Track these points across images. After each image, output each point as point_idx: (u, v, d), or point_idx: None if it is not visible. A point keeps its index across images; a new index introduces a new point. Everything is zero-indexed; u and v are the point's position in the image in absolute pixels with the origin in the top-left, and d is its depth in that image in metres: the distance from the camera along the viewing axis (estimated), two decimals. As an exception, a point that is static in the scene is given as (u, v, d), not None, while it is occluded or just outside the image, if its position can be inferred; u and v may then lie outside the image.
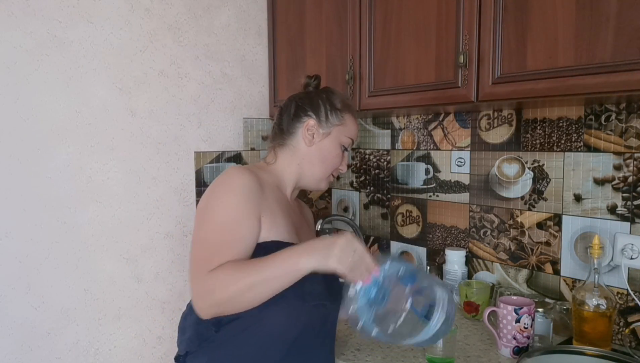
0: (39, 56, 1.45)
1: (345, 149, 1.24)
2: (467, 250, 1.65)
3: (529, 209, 1.49)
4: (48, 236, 1.49)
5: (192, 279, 1.00)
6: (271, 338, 1.02)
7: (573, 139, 1.39)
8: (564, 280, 1.42)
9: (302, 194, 2.11)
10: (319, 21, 1.71)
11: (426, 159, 1.78)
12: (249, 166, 1.20)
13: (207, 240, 1.00)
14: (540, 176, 1.46)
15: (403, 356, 1.24)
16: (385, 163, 1.93)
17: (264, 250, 1.01)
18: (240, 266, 0.95)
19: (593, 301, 1.19)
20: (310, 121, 1.19)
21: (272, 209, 1.07)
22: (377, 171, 1.97)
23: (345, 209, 2.13)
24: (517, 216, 1.52)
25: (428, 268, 1.73)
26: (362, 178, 2.04)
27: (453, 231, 1.71)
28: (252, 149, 1.95)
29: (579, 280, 1.39)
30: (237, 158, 1.91)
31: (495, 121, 1.56)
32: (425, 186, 1.79)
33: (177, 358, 1.11)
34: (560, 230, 1.43)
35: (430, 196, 1.78)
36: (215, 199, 1.04)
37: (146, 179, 1.68)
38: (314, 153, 1.20)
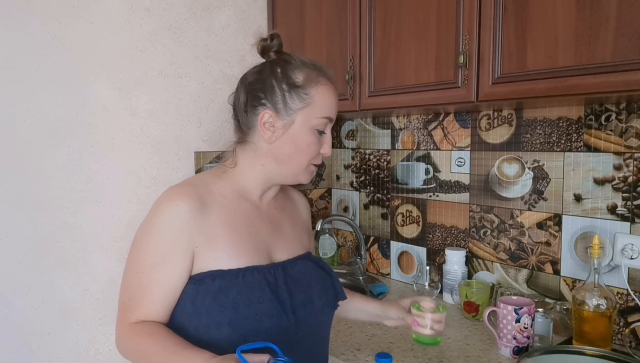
0: (39, 55, 1.44)
1: (322, 132, 0.98)
2: (467, 250, 1.65)
3: (529, 209, 1.49)
4: (48, 236, 1.49)
5: (117, 315, 0.94)
6: None
7: (573, 139, 1.39)
8: (564, 280, 1.42)
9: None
10: (319, 21, 1.71)
11: (426, 159, 1.78)
12: (194, 181, 1.00)
13: (128, 280, 0.92)
14: (540, 176, 1.46)
15: (403, 356, 1.24)
16: (385, 163, 1.93)
17: (196, 283, 0.90)
18: (146, 347, 0.86)
19: (593, 301, 1.19)
20: (265, 113, 0.95)
21: (212, 234, 0.92)
22: (377, 171, 1.97)
23: (345, 209, 2.13)
24: (517, 216, 1.52)
25: (428, 268, 1.73)
26: (362, 178, 2.04)
27: (453, 231, 1.71)
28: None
29: (579, 280, 1.39)
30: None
31: (495, 121, 1.56)
32: (425, 186, 1.79)
33: None
34: (560, 230, 1.43)
35: (430, 196, 1.78)
36: (142, 235, 0.93)
37: (146, 179, 1.68)
38: (279, 150, 0.96)
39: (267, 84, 0.96)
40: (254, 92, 0.97)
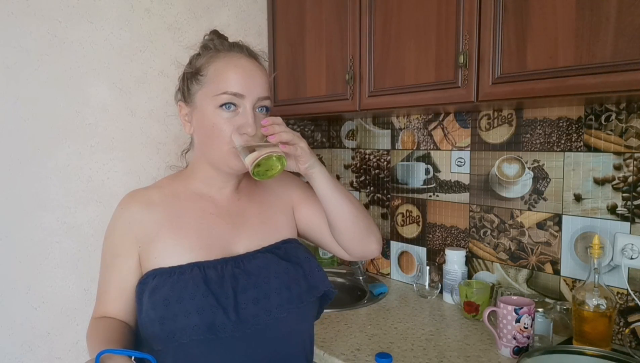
0: (39, 55, 1.44)
1: (230, 105, 0.92)
2: (467, 249, 1.65)
3: (529, 209, 1.49)
4: (48, 236, 1.49)
5: None
6: None
7: (573, 139, 1.39)
8: (564, 280, 1.42)
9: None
10: (319, 21, 1.71)
11: (426, 159, 1.78)
12: (152, 185, 1.03)
13: (98, 278, 0.99)
14: (540, 176, 1.46)
15: (403, 356, 1.24)
16: (385, 163, 1.93)
17: (141, 283, 0.92)
18: (88, 341, 0.91)
19: (593, 301, 1.19)
20: (180, 106, 1.00)
21: (154, 234, 0.93)
22: (377, 171, 1.97)
23: (345, 209, 2.13)
24: (517, 216, 1.52)
25: (428, 268, 1.73)
26: (362, 178, 2.04)
27: (453, 231, 1.71)
28: (252, 149, 1.95)
29: (579, 280, 1.39)
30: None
31: (495, 121, 1.56)
32: (425, 186, 1.79)
33: None
34: (560, 230, 1.43)
35: (430, 196, 1.78)
36: (103, 238, 0.99)
37: (146, 179, 1.68)
38: (197, 139, 0.98)
39: (181, 78, 1.01)
40: (177, 89, 1.02)
